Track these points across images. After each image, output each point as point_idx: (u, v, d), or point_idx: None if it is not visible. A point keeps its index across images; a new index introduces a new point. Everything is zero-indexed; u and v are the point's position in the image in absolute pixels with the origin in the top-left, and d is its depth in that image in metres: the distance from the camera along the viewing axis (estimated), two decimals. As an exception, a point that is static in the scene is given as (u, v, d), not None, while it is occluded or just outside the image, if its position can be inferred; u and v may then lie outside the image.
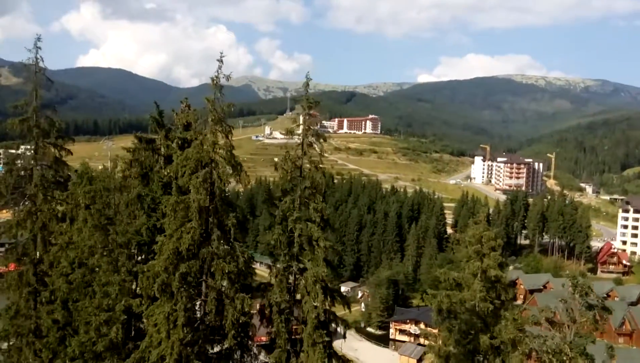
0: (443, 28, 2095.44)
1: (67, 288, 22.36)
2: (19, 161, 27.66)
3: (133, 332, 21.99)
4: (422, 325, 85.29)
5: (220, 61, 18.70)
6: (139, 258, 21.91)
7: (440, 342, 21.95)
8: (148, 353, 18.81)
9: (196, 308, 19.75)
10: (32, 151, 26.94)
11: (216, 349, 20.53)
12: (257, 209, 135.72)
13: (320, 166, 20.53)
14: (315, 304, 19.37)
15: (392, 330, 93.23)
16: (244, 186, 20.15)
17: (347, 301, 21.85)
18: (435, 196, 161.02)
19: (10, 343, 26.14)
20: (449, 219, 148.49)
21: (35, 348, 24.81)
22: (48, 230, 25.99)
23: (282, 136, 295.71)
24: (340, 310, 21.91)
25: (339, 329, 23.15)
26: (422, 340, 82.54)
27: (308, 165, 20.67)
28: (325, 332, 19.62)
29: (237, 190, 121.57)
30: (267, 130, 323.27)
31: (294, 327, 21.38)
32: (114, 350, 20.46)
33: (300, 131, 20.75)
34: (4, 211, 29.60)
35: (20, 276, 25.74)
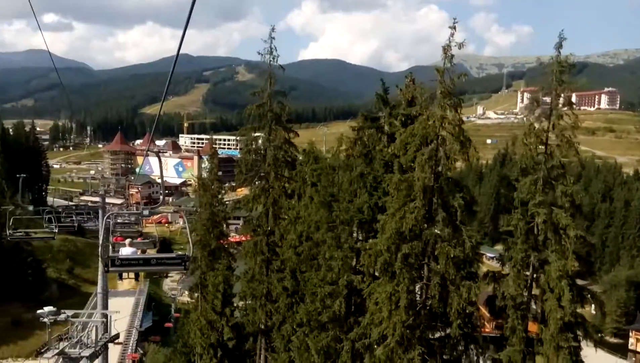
0: None
1: (296, 259, 23.93)
2: (254, 144, 30.77)
3: (353, 307, 22.45)
4: (676, 340, 68.82)
5: (453, 27, 16.87)
6: (360, 235, 22.12)
7: None
8: (369, 330, 18.85)
9: (416, 291, 18.96)
10: (266, 134, 29.61)
11: (437, 336, 19.46)
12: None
13: (575, 141, 17.09)
14: (560, 303, 16.39)
15: (631, 340, 78.11)
16: (472, 162, 18.25)
17: (601, 303, 17.92)
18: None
19: (247, 302, 29.76)
20: None
21: (266, 310, 27.68)
22: (278, 205, 28.35)
23: (496, 116, 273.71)
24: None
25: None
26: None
27: (555, 140, 17.42)
28: (572, 336, 16.53)
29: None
30: (480, 110, 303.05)
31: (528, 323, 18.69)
32: (337, 322, 21.07)
33: (548, 101, 17.50)
34: (241, 189, 33.90)
35: (255, 245, 28.76)
